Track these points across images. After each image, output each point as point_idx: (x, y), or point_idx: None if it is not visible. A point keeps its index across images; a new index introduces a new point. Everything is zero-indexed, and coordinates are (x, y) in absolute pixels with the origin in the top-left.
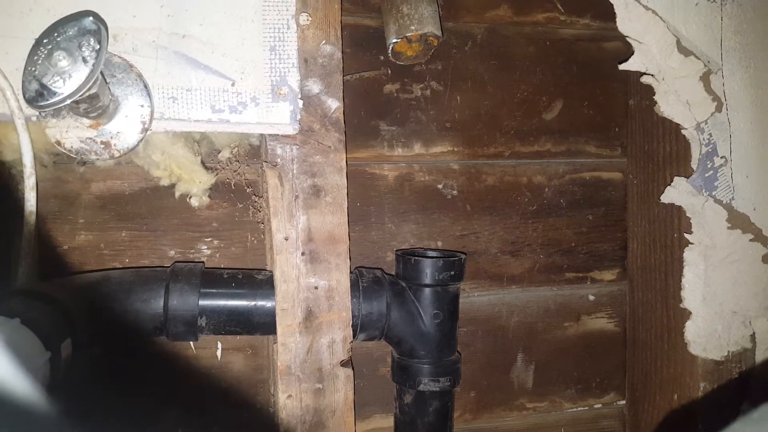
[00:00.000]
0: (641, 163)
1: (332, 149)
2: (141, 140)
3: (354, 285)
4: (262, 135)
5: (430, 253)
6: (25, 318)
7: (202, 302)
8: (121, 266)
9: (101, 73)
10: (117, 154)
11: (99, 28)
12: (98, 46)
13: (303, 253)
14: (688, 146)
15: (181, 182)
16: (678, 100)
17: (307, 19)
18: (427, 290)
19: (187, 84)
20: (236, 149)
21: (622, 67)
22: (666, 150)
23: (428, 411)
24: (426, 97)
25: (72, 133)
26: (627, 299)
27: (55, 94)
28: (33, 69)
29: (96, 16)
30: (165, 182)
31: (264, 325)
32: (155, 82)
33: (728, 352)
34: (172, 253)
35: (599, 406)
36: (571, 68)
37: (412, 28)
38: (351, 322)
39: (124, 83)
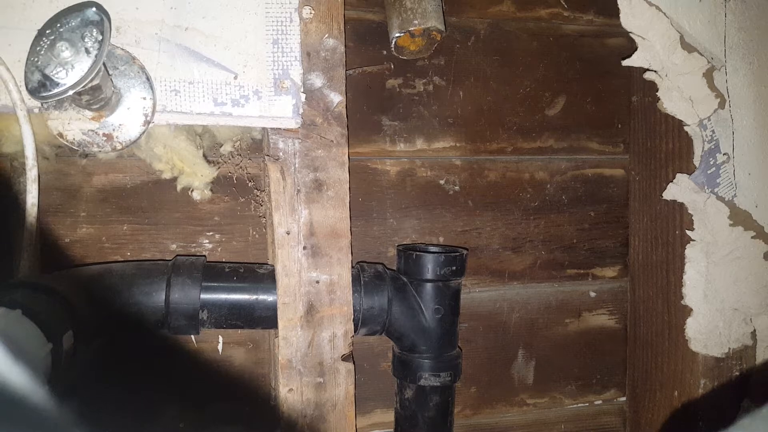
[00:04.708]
0: (643, 159)
1: (334, 143)
2: (143, 133)
3: (355, 280)
4: (264, 129)
5: (432, 249)
6: (26, 309)
7: (204, 296)
8: (122, 259)
9: (104, 64)
10: (119, 147)
11: (102, 19)
12: (101, 37)
13: (305, 248)
14: (691, 143)
15: (183, 176)
16: (681, 96)
17: (310, 13)
18: (429, 285)
19: (189, 77)
20: (238, 143)
21: (626, 63)
22: (668, 147)
23: (429, 406)
24: (428, 92)
25: (74, 125)
26: (628, 296)
27: (57, 84)
28: (35, 60)
29: (99, 7)
30: (167, 175)
31: (265, 319)
32: (158, 75)
33: (729, 349)
34: (174, 246)
35: (600, 402)
36: (574, 64)
37: (415, 22)
38: (352, 317)
39: (126, 75)
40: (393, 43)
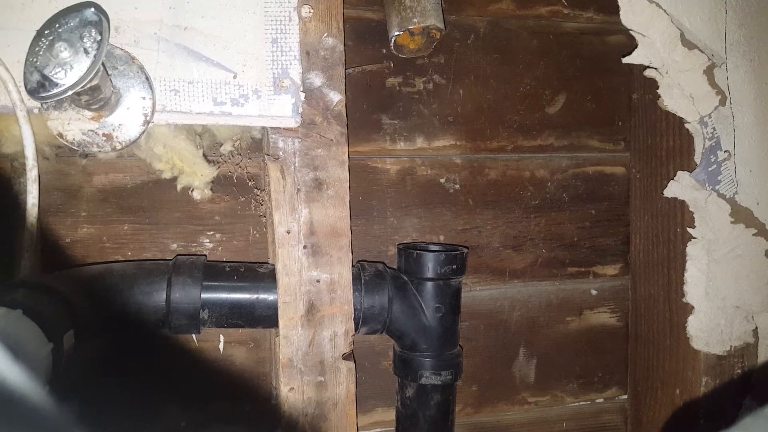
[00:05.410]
0: (644, 157)
1: (334, 142)
2: (143, 133)
3: (356, 278)
4: (264, 128)
5: (432, 247)
6: (27, 309)
7: (205, 295)
8: (123, 259)
9: (103, 65)
10: (119, 147)
11: (100, 19)
12: (99, 38)
13: (305, 247)
14: (692, 140)
15: (183, 175)
16: (682, 93)
17: (309, 12)
18: (429, 284)
19: (188, 76)
20: (238, 142)
21: (626, 60)
22: (669, 144)
23: (430, 405)
24: (428, 90)
25: (74, 126)
26: (629, 294)
27: (56, 85)
28: (34, 60)
29: (97, 7)
30: (167, 175)
31: (266, 318)
32: (157, 75)
33: (730, 346)
34: (175, 246)
35: (601, 400)
36: (574, 62)
37: (415, 20)
38: (353, 316)
39: (125, 75)
40: (392, 41)
